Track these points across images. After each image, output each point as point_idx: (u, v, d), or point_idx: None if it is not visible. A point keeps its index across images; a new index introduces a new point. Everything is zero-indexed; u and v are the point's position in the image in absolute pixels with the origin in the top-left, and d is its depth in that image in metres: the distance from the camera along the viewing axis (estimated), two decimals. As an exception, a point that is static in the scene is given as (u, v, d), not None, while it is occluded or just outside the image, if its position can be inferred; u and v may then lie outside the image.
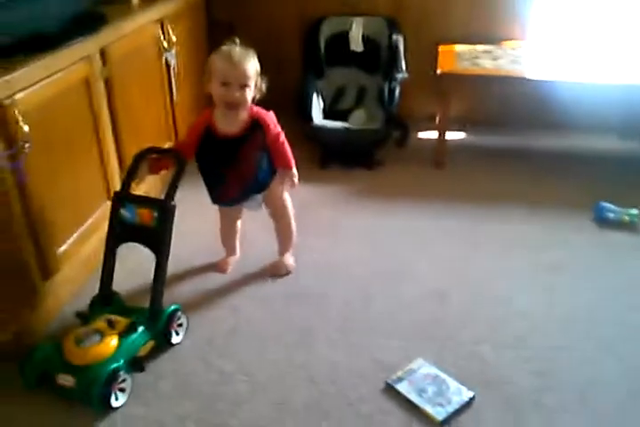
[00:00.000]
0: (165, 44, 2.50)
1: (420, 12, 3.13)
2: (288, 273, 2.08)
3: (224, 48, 1.78)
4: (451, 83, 2.74)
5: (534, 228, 2.36)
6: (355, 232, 2.34)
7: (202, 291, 2.00)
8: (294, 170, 1.91)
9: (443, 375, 1.63)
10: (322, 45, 3.05)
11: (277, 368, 1.69)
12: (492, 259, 2.18)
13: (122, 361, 1.56)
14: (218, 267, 2.11)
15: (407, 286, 2.03)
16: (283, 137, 1.89)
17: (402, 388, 1.58)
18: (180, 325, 1.78)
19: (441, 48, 2.98)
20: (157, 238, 1.68)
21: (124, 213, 1.70)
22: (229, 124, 1.82)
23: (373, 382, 1.63)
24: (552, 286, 2.05)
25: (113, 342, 1.59)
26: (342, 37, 3.05)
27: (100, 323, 1.64)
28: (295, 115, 2.81)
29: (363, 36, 3.04)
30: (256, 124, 1.83)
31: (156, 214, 1.67)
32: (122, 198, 1.72)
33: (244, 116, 1.82)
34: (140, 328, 1.65)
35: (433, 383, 1.60)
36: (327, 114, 2.95)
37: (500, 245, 2.25)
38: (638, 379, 1.66)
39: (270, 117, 1.87)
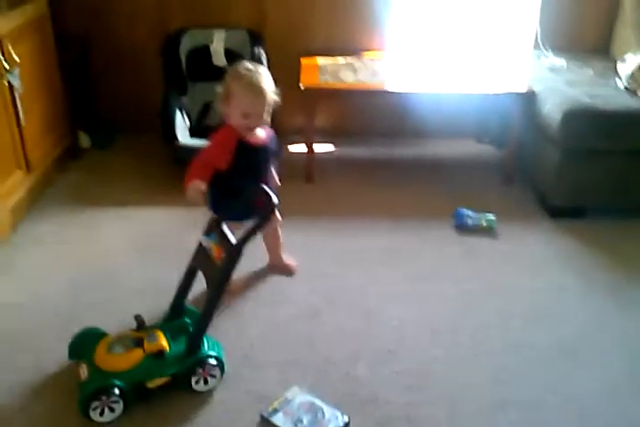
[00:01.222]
0: (6, 65, 2.31)
1: (282, 24, 3.13)
2: (294, 271, 2.18)
3: (244, 74, 1.79)
4: (314, 97, 2.77)
5: (400, 239, 2.44)
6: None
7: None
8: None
9: (318, 402, 1.64)
10: (183, 60, 2.96)
11: (150, 411, 1.62)
12: (361, 273, 2.23)
13: (125, 382, 1.57)
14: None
15: (281, 309, 2.03)
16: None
17: (277, 420, 1.57)
18: (213, 375, 1.69)
19: (303, 61, 3.00)
20: (216, 277, 1.68)
21: (204, 240, 1.76)
22: (252, 136, 1.86)
23: (250, 415, 1.61)
24: (420, 296, 2.13)
25: (131, 360, 1.61)
26: (204, 51, 2.98)
27: (140, 335, 1.67)
28: (160, 135, 2.73)
29: (225, 50, 2.99)
30: (272, 136, 1.92)
31: (224, 255, 1.68)
32: (212, 226, 1.77)
33: (260, 128, 1.88)
34: (166, 360, 1.64)
35: (308, 412, 1.60)
36: (195, 132, 2.87)
37: (368, 259, 2.31)
38: (504, 387, 1.76)
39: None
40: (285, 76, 2.99)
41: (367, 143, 3.29)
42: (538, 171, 2.76)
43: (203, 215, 2.51)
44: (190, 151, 2.66)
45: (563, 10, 3.14)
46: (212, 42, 2.98)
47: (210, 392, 1.68)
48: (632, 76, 2.66)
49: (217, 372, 1.68)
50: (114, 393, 1.54)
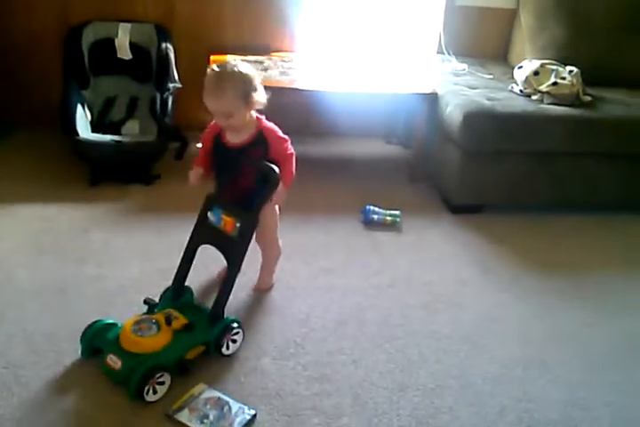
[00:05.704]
0: None
1: (191, 20, 3.09)
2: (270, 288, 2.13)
3: (208, 73, 1.76)
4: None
5: (309, 234, 2.46)
6: (130, 253, 2.22)
7: None
8: (284, 189, 1.87)
9: (224, 397, 1.61)
10: (85, 53, 2.85)
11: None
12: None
13: (166, 359, 1.63)
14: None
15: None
16: (289, 152, 1.89)
17: (182, 417, 1.53)
18: (235, 340, 1.79)
19: (212, 58, 2.96)
20: (234, 249, 1.76)
21: (211, 216, 1.78)
22: (234, 136, 1.85)
23: (154, 415, 1.56)
24: (328, 289, 2.15)
25: (165, 338, 1.65)
26: (108, 44, 2.89)
27: (161, 316, 1.70)
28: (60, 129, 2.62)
29: (130, 44, 2.91)
30: (260, 137, 1.85)
31: (238, 225, 1.73)
32: (212, 201, 1.80)
33: (248, 129, 1.84)
34: (195, 331, 1.70)
35: (215, 407, 1.57)
36: (96, 126, 2.77)
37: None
38: (406, 374, 1.81)
39: (275, 132, 1.89)
40: (195, 72, 2.95)
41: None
42: (441, 170, 2.87)
43: (106, 212, 2.47)
44: (89, 145, 2.59)
45: (465, 18, 3.29)
46: (116, 35, 2.90)
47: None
48: (527, 81, 2.83)
49: (239, 334, 1.79)
50: (159, 372, 1.59)
